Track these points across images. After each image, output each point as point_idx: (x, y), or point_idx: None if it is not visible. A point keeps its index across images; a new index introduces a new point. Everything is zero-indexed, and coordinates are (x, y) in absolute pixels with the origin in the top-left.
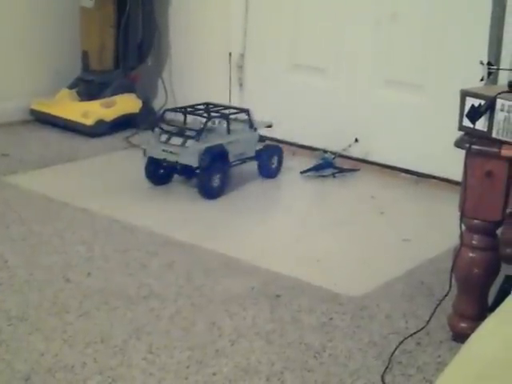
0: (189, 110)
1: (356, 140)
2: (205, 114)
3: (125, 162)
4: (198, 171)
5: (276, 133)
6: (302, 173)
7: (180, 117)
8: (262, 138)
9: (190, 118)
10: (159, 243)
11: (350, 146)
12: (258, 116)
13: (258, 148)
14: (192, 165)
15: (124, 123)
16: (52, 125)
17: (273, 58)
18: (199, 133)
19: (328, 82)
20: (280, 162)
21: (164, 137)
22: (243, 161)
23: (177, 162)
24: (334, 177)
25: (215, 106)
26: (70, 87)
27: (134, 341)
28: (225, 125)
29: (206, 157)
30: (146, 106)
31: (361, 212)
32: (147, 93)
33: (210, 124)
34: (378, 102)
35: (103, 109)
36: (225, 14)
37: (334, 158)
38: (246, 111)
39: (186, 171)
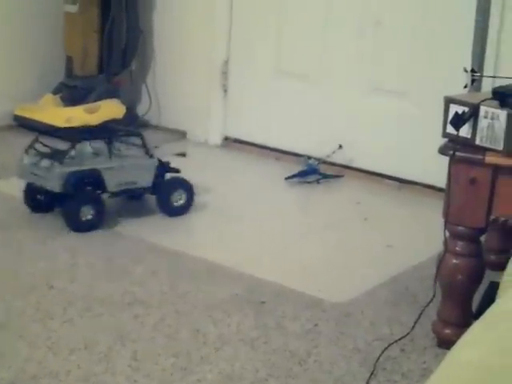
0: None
1: (340, 146)
2: (86, 136)
3: None
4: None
5: (260, 138)
6: (286, 179)
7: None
8: (173, 169)
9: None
10: (143, 250)
11: (334, 152)
12: (243, 124)
13: (159, 179)
14: (54, 190)
15: None
16: (35, 131)
17: (257, 64)
18: (64, 155)
19: (312, 89)
20: (189, 200)
21: (35, 159)
22: (132, 191)
23: (42, 187)
24: (319, 183)
25: (113, 129)
26: (54, 92)
27: (118, 347)
28: (112, 149)
29: (70, 182)
30: (130, 112)
31: (345, 218)
32: (131, 98)
33: (92, 147)
34: (362, 109)
35: (87, 114)
36: (209, 19)
37: (318, 164)
38: (139, 136)
39: (62, 199)
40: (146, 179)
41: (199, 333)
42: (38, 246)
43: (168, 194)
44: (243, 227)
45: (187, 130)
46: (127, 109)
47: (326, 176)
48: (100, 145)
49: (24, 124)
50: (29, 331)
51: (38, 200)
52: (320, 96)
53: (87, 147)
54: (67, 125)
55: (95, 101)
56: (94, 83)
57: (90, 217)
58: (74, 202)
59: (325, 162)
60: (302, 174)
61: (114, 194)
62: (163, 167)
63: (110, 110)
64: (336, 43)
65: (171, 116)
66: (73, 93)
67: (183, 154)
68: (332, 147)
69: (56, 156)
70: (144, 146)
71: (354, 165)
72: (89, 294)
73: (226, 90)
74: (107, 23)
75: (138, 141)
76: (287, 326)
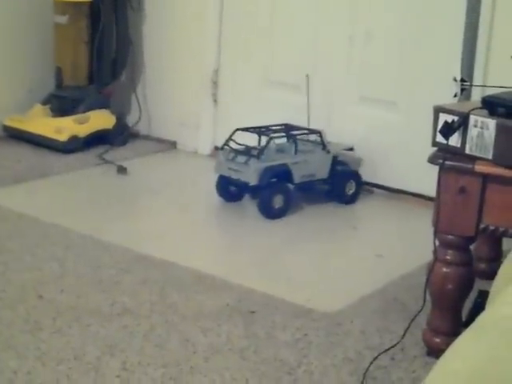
0: (258, 130)
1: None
2: (272, 135)
3: (98, 178)
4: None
5: None
6: None
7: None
8: (342, 163)
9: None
10: (132, 260)
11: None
12: (230, 132)
13: (333, 171)
14: (251, 183)
15: (98, 139)
16: (25, 141)
17: (247, 74)
18: (260, 151)
19: (303, 99)
20: (358, 189)
21: (231, 155)
22: (312, 183)
23: (239, 180)
24: None
25: (292, 127)
26: (44, 103)
27: (107, 358)
28: (295, 145)
29: (266, 175)
30: (120, 122)
31: (334, 227)
32: (121, 109)
33: (275, 144)
34: (352, 119)
35: (77, 125)
36: (199, 29)
37: None
38: (318, 133)
39: (254, 190)
40: (323, 172)
41: (189, 343)
42: (26, 256)
43: (342, 184)
44: (232, 237)
45: (177, 140)
46: (117, 119)
47: None
48: (280, 141)
49: (13, 134)
50: (17, 342)
51: (229, 191)
52: (310, 106)
53: (272, 144)
54: (57, 136)
55: (85, 111)
56: (83, 94)
57: (280, 205)
58: (268, 192)
59: None
60: None
61: (297, 186)
62: (335, 161)
63: (99, 120)
64: (326, 53)
65: (161, 126)
66: (62, 103)
67: (351, 149)
68: None
69: (250, 152)
70: (322, 142)
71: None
72: (77, 304)
73: (215, 100)
74: (97, 34)
75: (316, 137)
76: (277, 336)
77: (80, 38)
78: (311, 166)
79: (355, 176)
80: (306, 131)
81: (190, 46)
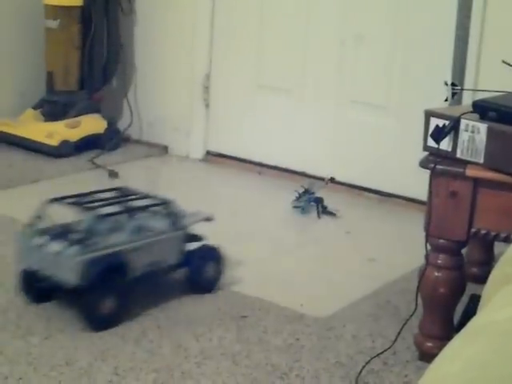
0: (77, 200)
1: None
2: (99, 209)
3: (89, 182)
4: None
5: (242, 153)
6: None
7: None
8: (197, 238)
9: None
10: None
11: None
12: (224, 138)
13: (187, 250)
14: (69, 282)
15: (89, 144)
16: (16, 146)
17: (239, 78)
18: (82, 237)
19: (293, 102)
20: (219, 271)
21: (39, 240)
22: (157, 273)
23: (50, 277)
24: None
25: (130, 194)
26: (35, 108)
27: (99, 363)
28: (136, 221)
29: (90, 272)
30: (111, 127)
31: (327, 232)
32: (112, 113)
33: (110, 220)
34: (343, 122)
35: (68, 129)
36: (190, 33)
37: (313, 193)
38: (167, 204)
39: (72, 291)
40: (173, 255)
41: (181, 348)
42: None
43: (200, 267)
44: (224, 241)
45: (169, 144)
46: (108, 124)
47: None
48: (111, 210)
49: (4, 139)
50: (9, 347)
51: (37, 288)
52: (301, 110)
53: (100, 222)
54: (48, 141)
55: (76, 116)
56: (74, 98)
57: (111, 310)
58: (94, 294)
59: (305, 175)
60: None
61: (137, 279)
62: (189, 237)
63: (91, 125)
64: (317, 57)
65: (153, 131)
66: (54, 108)
67: (209, 219)
68: (314, 161)
69: (67, 236)
70: (173, 215)
71: (336, 178)
72: (69, 309)
73: (207, 105)
74: (88, 39)
75: (163, 209)
76: (269, 341)
77: (71, 42)
78: (157, 250)
79: (215, 254)
80: (150, 204)
81: (181, 51)
